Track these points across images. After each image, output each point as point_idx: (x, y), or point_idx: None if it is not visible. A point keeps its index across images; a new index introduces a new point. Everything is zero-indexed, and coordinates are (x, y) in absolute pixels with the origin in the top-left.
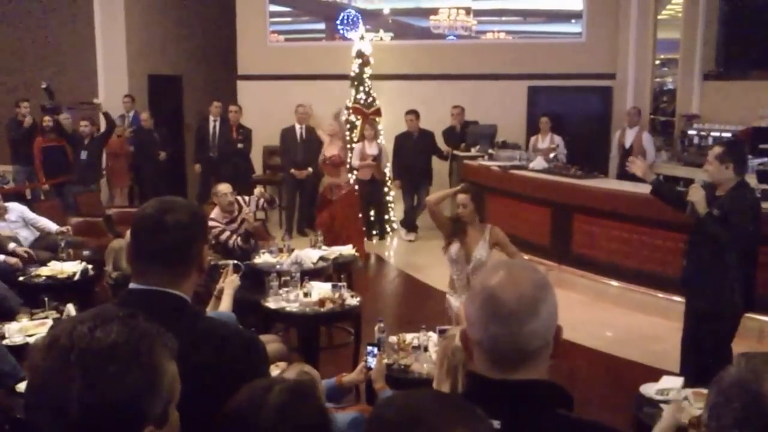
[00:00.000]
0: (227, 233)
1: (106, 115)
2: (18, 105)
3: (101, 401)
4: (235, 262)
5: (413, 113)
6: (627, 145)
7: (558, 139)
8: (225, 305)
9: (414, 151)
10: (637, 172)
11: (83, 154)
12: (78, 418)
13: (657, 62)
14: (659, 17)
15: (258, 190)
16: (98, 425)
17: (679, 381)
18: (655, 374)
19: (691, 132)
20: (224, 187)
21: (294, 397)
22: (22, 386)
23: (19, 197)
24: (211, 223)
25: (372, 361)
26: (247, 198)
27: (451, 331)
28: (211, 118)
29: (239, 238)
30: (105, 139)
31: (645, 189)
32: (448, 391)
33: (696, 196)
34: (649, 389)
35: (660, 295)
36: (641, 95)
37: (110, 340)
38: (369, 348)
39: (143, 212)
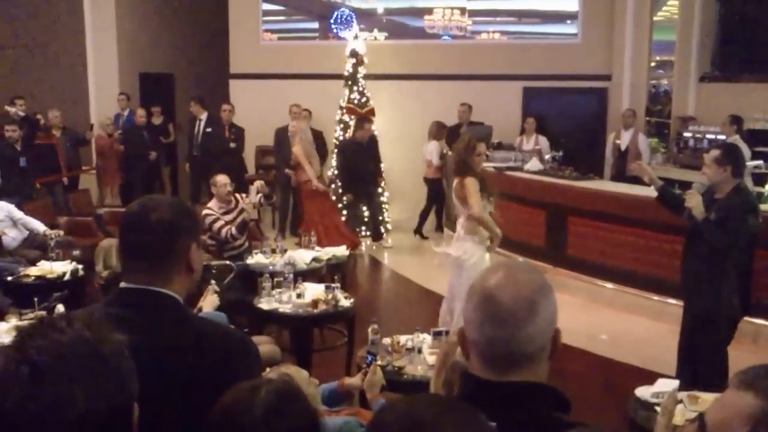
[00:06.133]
0: (221, 222)
1: (26, 118)
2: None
3: (106, 400)
4: (228, 262)
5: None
6: (622, 147)
7: (543, 140)
8: None
9: (362, 159)
10: (644, 177)
11: (22, 161)
12: (90, 418)
13: (652, 64)
14: (655, 19)
15: (258, 182)
16: (101, 424)
17: (674, 384)
18: (649, 377)
19: (686, 134)
20: (222, 178)
21: (282, 398)
22: None
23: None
24: (206, 212)
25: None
26: (244, 194)
27: (452, 337)
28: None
29: (233, 228)
30: (32, 140)
31: (640, 191)
32: None
33: (693, 201)
34: (644, 392)
35: (655, 297)
36: (637, 97)
37: (86, 338)
38: (367, 356)
39: (129, 210)
